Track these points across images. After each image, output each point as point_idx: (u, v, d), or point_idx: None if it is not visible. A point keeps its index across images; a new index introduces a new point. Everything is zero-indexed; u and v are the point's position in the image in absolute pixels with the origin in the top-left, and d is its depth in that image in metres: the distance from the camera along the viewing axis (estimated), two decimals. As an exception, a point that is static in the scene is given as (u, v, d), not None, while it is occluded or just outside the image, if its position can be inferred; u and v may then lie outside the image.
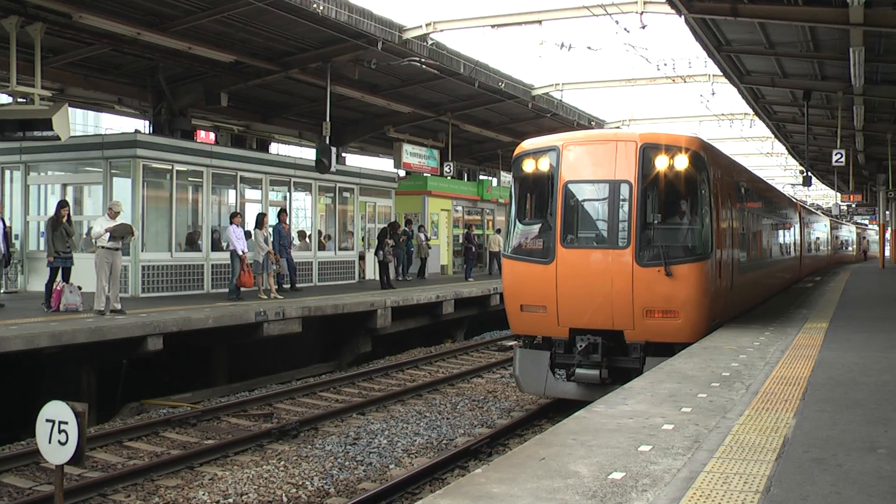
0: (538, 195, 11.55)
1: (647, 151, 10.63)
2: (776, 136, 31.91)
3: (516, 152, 11.67)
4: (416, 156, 29.30)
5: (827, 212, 47.16)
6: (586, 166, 11.13)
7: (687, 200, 10.97)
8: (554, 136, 11.97)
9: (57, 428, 5.65)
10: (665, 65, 22.78)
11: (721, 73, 20.37)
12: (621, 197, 10.66)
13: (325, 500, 8.36)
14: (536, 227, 11.53)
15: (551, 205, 11.02)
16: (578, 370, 10.67)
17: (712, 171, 11.03)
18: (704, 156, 10.93)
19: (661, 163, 10.55)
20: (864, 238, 66.11)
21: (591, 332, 10.65)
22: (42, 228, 17.27)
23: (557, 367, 11.09)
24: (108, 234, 13.31)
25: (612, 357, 10.68)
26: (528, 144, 11.74)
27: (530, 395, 12.60)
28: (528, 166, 11.31)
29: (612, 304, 10.55)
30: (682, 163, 10.56)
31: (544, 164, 11.14)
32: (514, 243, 11.52)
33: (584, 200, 11.20)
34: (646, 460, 4.98)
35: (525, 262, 11.20)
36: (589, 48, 21.02)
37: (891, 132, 25.93)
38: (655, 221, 10.80)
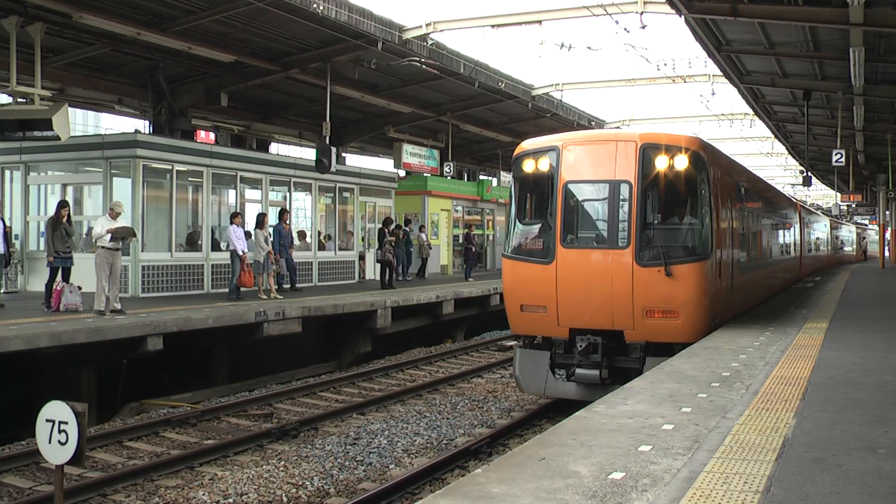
0: (538, 195, 11.55)
1: (647, 151, 10.62)
2: (776, 136, 31.92)
3: (516, 152, 11.65)
4: (416, 156, 29.30)
5: (827, 212, 47.15)
6: (586, 166, 11.12)
7: (687, 200, 10.96)
8: (554, 136, 11.96)
9: (57, 428, 5.65)
10: (665, 65, 22.83)
11: (721, 73, 20.37)
12: (621, 197, 10.65)
13: (325, 500, 8.36)
14: (536, 228, 11.53)
15: (551, 205, 11.01)
16: (578, 370, 10.65)
17: (712, 171, 11.03)
18: (704, 156, 10.92)
19: (661, 163, 10.54)
20: (864, 238, 66.07)
21: (591, 333, 10.63)
22: (42, 228, 17.27)
23: (557, 368, 11.07)
24: (108, 234, 13.32)
25: (612, 357, 10.66)
26: (528, 144, 11.73)
27: (530, 395, 12.60)
28: (528, 166, 11.30)
29: (611, 304, 10.54)
30: (681, 163, 10.55)
31: (544, 164, 11.13)
32: (514, 243, 11.52)
33: (583, 200, 11.20)
34: (646, 460, 4.98)
35: (525, 262, 11.20)
36: (589, 48, 21.09)
37: (891, 132, 25.93)
38: (655, 221, 10.79)
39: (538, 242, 11.27)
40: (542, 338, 11.33)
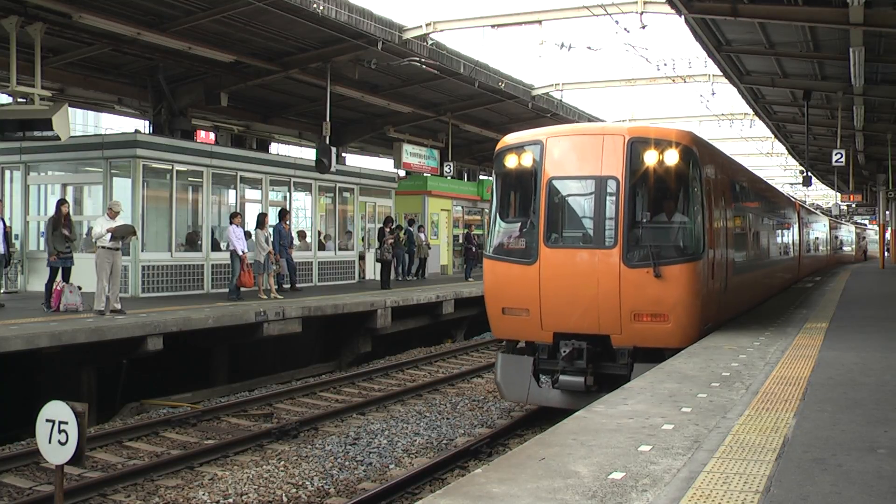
0: (521, 192, 11.04)
1: (636, 146, 10.10)
2: (776, 136, 31.95)
3: (498, 147, 10.97)
4: (416, 156, 29.31)
5: (827, 212, 47.14)
6: (571, 161, 10.57)
7: (677, 197, 10.47)
8: (538, 129, 11.35)
9: (57, 428, 5.65)
10: (665, 65, 22.88)
11: (721, 73, 20.39)
12: (608, 193, 10.10)
13: (325, 500, 8.36)
14: (519, 226, 11.03)
15: (534, 202, 10.46)
16: (562, 377, 10.08)
17: (704, 168, 10.59)
18: (696, 151, 10.41)
19: (650, 158, 10.01)
20: (864, 238, 66.05)
21: (575, 337, 10.04)
22: (42, 228, 17.28)
23: (542, 374, 10.57)
24: (108, 234, 13.32)
25: (598, 363, 10.11)
26: (511, 138, 11.03)
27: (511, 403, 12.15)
28: (511, 161, 10.69)
29: (597, 307, 10.00)
30: (672, 158, 10.02)
31: (527, 159, 10.55)
32: (496, 242, 10.96)
33: (568, 197, 10.65)
34: (646, 460, 4.98)
35: (507, 263, 10.65)
36: (589, 48, 21.12)
37: (891, 132, 25.96)
38: (644, 220, 10.30)
39: (520, 242, 10.75)
40: (525, 342, 10.89)
